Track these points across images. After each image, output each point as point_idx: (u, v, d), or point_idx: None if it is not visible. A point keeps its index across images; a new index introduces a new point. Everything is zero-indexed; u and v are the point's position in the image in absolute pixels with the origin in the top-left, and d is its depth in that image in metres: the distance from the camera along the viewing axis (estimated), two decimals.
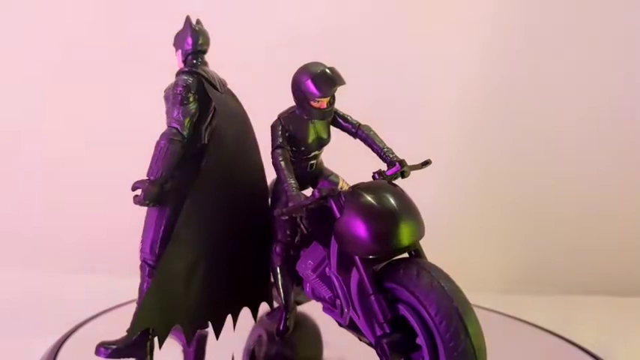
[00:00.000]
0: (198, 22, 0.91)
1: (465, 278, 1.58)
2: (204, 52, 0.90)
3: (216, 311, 0.89)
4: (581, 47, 1.63)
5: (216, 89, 0.88)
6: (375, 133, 0.86)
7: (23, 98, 1.63)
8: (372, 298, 0.70)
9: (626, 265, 1.60)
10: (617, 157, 1.63)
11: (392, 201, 0.72)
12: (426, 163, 0.80)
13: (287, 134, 0.84)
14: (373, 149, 0.85)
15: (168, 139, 0.85)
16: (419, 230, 0.74)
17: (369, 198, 0.73)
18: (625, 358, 1.10)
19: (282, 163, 0.82)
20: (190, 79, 0.86)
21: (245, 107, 0.95)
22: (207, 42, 0.90)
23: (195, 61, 0.88)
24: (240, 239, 0.89)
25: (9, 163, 1.62)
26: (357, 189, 0.75)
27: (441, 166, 1.64)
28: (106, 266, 1.52)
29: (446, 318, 0.65)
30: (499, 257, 1.61)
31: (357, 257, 0.72)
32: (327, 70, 0.81)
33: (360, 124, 0.86)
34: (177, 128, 0.85)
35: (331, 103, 0.84)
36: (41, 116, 1.63)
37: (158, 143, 0.86)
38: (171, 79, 0.89)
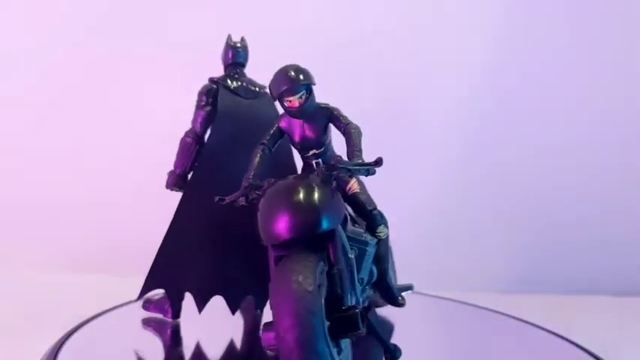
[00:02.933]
0: (242, 39, 1.04)
1: (465, 278, 1.60)
2: (240, 64, 1.03)
3: (229, 288, 0.98)
4: (581, 48, 1.63)
5: (239, 95, 1.01)
6: (357, 133, 0.82)
7: (23, 98, 1.63)
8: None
9: (626, 265, 1.60)
10: (617, 158, 1.63)
11: (279, 198, 0.73)
12: (377, 163, 0.75)
13: (281, 132, 0.87)
14: (347, 147, 0.83)
15: (185, 135, 1.02)
16: (301, 225, 0.71)
17: (267, 194, 0.76)
18: (625, 358, 1.10)
19: (254, 159, 0.85)
20: (210, 86, 1.01)
21: None
22: (241, 55, 1.03)
23: (229, 72, 1.03)
24: (243, 229, 0.90)
25: (9, 163, 1.62)
26: (270, 185, 0.77)
27: (441, 166, 1.65)
28: (106, 266, 1.52)
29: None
30: (499, 257, 1.61)
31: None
32: (283, 72, 0.81)
33: (348, 123, 0.83)
34: (194, 127, 1.02)
35: (303, 103, 0.82)
36: (42, 115, 1.63)
37: (180, 139, 1.03)
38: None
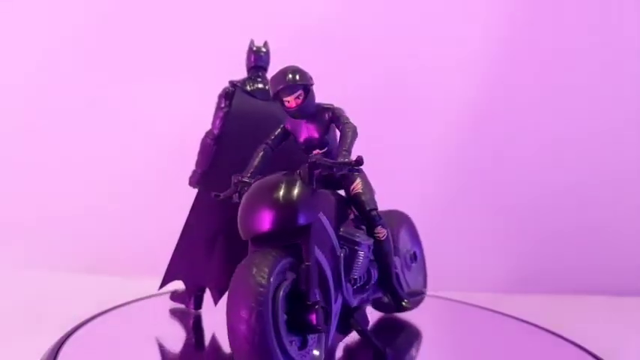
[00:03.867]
0: (265, 43, 1.07)
1: (465, 278, 1.60)
2: (262, 67, 1.07)
3: None
4: (581, 48, 1.63)
5: (255, 97, 1.05)
6: (352, 133, 0.82)
7: (26, 97, 1.63)
8: None
9: (626, 265, 1.60)
10: (617, 158, 1.63)
11: (255, 194, 0.75)
12: (357, 162, 0.76)
13: (286, 132, 0.89)
14: (338, 146, 0.83)
15: (205, 136, 1.06)
16: (271, 220, 0.73)
17: (248, 190, 0.78)
18: (625, 358, 1.10)
19: (254, 157, 0.88)
20: (228, 89, 1.06)
21: None
22: (262, 59, 1.07)
23: (250, 75, 1.07)
24: None
25: (9, 163, 1.62)
26: (254, 182, 0.80)
27: (440, 165, 1.65)
28: (107, 266, 1.52)
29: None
30: (499, 257, 1.61)
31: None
32: (281, 72, 0.83)
33: (346, 123, 0.84)
34: (212, 128, 1.06)
35: (300, 103, 0.84)
36: (43, 114, 1.63)
37: (201, 140, 1.07)
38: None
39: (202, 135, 1.07)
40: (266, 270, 0.67)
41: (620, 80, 1.62)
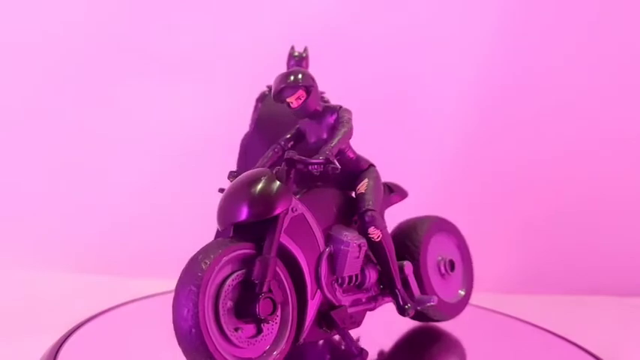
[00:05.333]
0: (305, 49, 1.09)
1: None
2: None
3: None
4: (582, 46, 1.63)
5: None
6: (343, 133, 0.84)
7: (26, 98, 1.64)
8: None
9: (626, 265, 1.60)
10: (617, 157, 1.63)
11: (229, 188, 0.78)
12: (326, 160, 0.79)
13: (300, 133, 0.90)
14: None
15: (243, 138, 1.09)
16: (232, 212, 0.76)
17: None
18: (625, 358, 1.10)
19: (265, 155, 0.90)
20: (262, 93, 1.11)
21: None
22: (299, 65, 1.07)
23: None
24: None
25: (9, 163, 1.62)
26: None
27: (441, 166, 1.65)
28: (106, 266, 1.52)
29: None
30: (499, 257, 1.61)
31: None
32: (282, 74, 0.85)
33: (342, 123, 0.86)
34: (249, 129, 1.09)
35: (301, 104, 0.86)
36: (43, 114, 1.63)
37: (241, 141, 1.09)
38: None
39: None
40: (212, 256, 0.71)
41: (622, 75, 1.62)
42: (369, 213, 0.86)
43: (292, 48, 1.09)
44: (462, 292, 1.05)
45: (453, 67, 1.64)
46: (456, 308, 1.03)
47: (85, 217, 1.61)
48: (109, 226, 1.60)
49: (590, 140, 1.63)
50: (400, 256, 0.92)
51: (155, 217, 1.56)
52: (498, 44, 1.63)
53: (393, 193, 0.98)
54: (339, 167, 0.79)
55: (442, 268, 1.01)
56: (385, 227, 0.88)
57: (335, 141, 0.83)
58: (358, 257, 0.85)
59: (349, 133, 0.85)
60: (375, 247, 0.86)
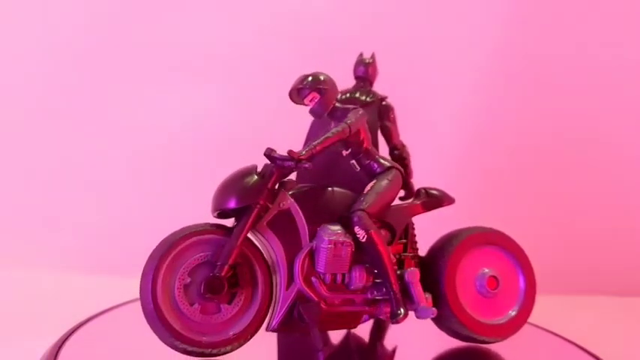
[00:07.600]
0: (372, 55, 1.09)
1: None
2: (360, 77, 1.09)
3: None
4: (584, 44, 1.63)
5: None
6: (333, 132, 0.88)
7: (26, 97, 1.64)
8: None
9: (626, 265, 1.60)
10: (617, 157, 1.63)
11: (224, 179, 0.86)
12: (291, 157, 0.83)
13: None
14: None
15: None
16: (214, 202, 0.85)
17: None
18: (625, 358, 1.10)
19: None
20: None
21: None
22: (363, 71, 1.08)
23: (356, 84, 1.08)
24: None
25: (9, 163, 1.62)
26: None
27: (441, 165, 1.65)
28: (106, 266, 1.52)
29: None
30: None
31: None
32: (298, 77, 0.90)
33: (343, 121, 0.90)
34: None
35: (315, 105, 0.90)
36: (43, 114, 1.63)
37: None
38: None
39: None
40: (179, 236, 0.81)
41: (624, 71, 1.62)
42: (358, 213, 0.87)
43: (361, 55, 1.09)
44: (513, 313, 0.95)
45: (456, 66, 1.64)
46: (502, 330, 0.94)
47: (85, 217, 1.61)
48: (109, 226, 1.60)
49: (590, 141, 1.63)
50: (427, 272, 0.93)
51: (155, 217, 1.55)
52: (501, 44, 1.63)
53: (430, 199, 0.99)
54: (310, 166, 0.83)
55: (481, 286, 0.95)
56: (374, 228, 0.87)
57: (321, 139, 0.87)
58: (340, 256, 0.85)
59: (341, 133, 0.88)
60: (363, 247, 0.86)
